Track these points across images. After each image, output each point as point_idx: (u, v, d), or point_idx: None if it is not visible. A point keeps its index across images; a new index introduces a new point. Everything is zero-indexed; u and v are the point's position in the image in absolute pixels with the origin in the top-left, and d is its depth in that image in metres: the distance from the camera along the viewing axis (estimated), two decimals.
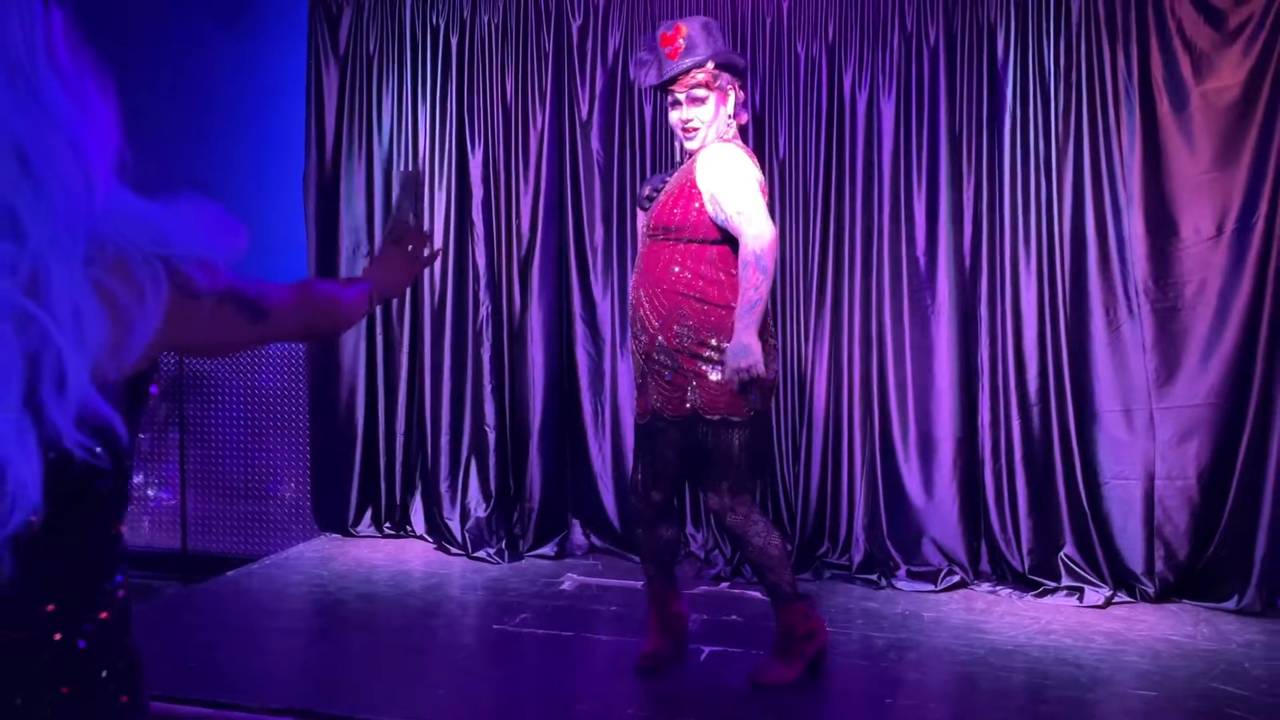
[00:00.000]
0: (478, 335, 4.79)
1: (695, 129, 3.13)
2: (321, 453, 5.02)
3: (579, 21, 4.70)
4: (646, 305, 3.11)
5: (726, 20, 4.52)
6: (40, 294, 0.93)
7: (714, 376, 3.03)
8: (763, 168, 4.46)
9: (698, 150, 3.14)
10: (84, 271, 0.95)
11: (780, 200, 4.49)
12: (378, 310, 4.49)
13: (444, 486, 4.80)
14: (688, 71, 3.10)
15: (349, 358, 4.94)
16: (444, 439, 4.81)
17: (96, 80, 1.03)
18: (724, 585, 4.28)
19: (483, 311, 4.76)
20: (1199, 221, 4.08)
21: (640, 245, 3.23)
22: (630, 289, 3.26)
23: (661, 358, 3.09)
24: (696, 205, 3.07)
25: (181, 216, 1.04)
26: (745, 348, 2.95)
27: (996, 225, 4.29)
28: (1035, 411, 4.24)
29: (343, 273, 4.87)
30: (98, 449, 0.97)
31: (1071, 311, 4.21)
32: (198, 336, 1.11)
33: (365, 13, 4.91)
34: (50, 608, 1.02)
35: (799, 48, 4.48)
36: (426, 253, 1.74)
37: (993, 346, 4.31)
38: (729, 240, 3.08)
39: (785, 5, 4.48)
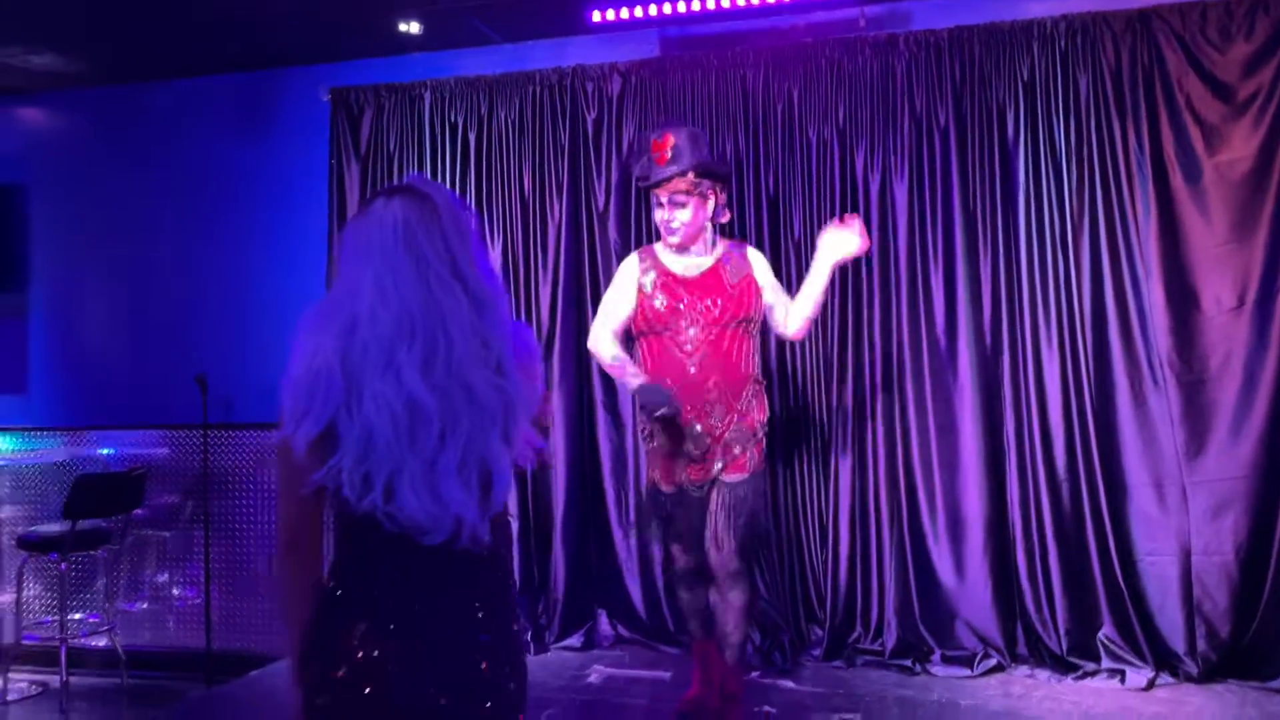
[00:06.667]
0: None
1: (675, 229, 3.48)
2: None
3: (594, 114, 4.79)
4: (723, 389, 3.39)
5: (739, 107, 4.61)
6: (502, 374, 1.69)
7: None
8: (778, 249, 4.55)
9: (680, 246, 3.50)
10: (517, 361, 1.73)
11: (796, 282, 4.50)
12: None
13: None
14: (670, 179, 3.43)
15: None
16: None
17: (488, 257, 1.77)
18: (754, 675, 4.18)
19: None
20: (1219, 293, 4.06)
21: (697, 333, 3.42)
22: (692, 372, 3.40)
23: (735, 435, 3.40)
24: (758, 298, 3.50)
25: (519, 330, 1.83)
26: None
27: (1016, 301, 4.29)
28: (1065, 488, 4.18)
29: None
30: (533, 463, 1.75)
31: (1096, 385, 4.18)
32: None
33: (386, 112, 5.03)
34: (509, 564, 1.76)
35: (810, 132, 4.55)
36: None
37: (1018, 423, 4.26)
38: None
39: (796, 92, 4.56)
